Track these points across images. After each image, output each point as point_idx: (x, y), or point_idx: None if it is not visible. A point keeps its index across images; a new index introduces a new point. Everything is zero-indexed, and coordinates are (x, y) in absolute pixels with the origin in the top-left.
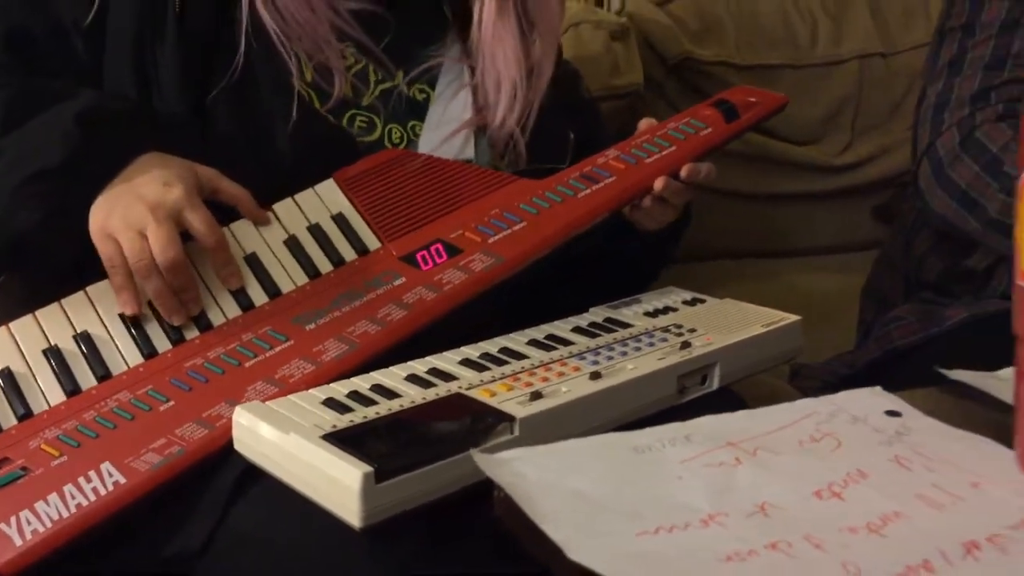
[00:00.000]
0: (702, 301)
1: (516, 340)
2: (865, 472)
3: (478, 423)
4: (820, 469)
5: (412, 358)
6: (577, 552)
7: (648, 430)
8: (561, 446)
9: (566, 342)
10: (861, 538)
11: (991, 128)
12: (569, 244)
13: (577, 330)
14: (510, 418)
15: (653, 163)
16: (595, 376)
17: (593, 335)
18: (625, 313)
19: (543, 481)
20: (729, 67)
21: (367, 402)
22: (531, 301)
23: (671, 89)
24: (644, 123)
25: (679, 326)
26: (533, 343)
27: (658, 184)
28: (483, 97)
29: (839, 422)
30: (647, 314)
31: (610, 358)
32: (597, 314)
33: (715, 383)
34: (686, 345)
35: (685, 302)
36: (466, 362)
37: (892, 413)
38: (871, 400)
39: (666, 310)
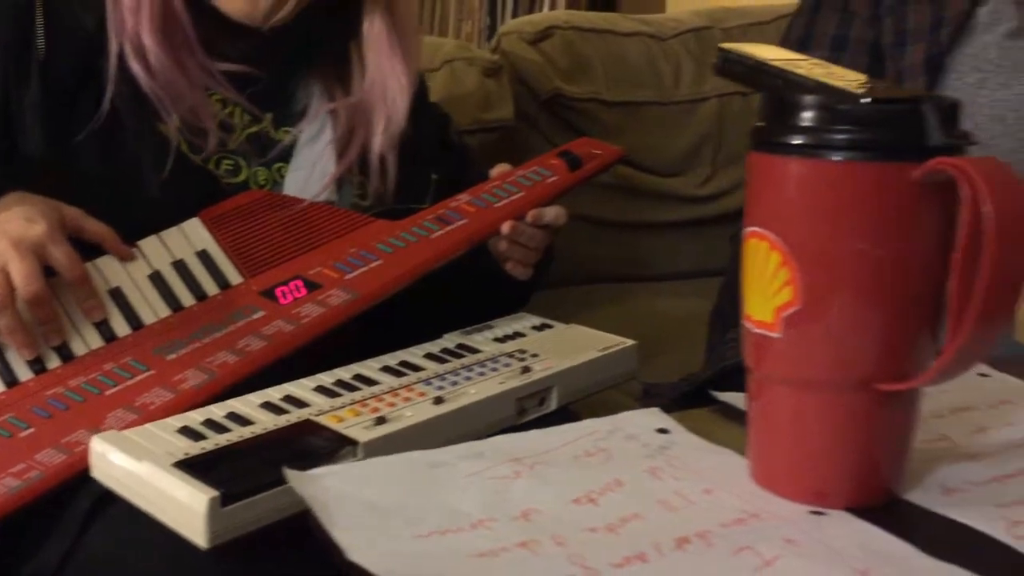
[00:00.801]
0: (550, 327)
1: (370, 367)
2: (622, 481)
3: (323, 448)
4: (585, 480)
5: (277, 384)
6: (356, 553)
7: (448, 448)
8: (367, 463)
9: (417, 368)
10: (599, 536)
11: None
12: (425, 280)
13: (429, 356)
14: (353, 442)
15: (501, 207)
16: (438, 401)
17: (443, 361)
18: (476, 339)
19: (342, 493)
20: (599, 103)
21: (220, 429)
22: (399, 330)
23: (544, 123)
24: (496, 169)
25: (523, 351)
26: (386, 369)
27: (505, 227)
28: (361, 119)
29: (615, 439)
30: (496, 340)
31: (455, 383)
32: (450, 340)
33: (553, 404)
34: (526, 370)
35: (534, 328)
36: (320, 389)
37: (662, 431)
38: (647, 419)
39: (515, 336)
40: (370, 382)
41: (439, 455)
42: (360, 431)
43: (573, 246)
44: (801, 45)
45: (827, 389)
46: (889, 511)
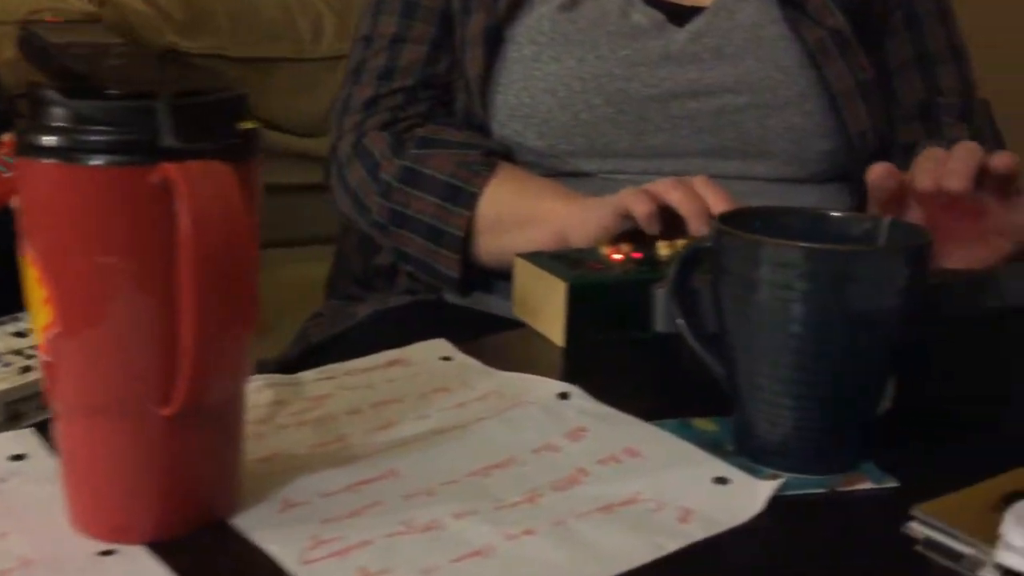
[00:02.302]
0: None
1: None
2: None
3: None
4: None
5: None
6: None
7: None
8: None
9: None
10: None
11: (375, 135)
12: None
13: None
14: None
15: None
16: None
17: None
18: None
19: None
20: (223, 59)
21: None
22: None
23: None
24: None
25: (35, 347)
26: None
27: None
28: None
29: None
30: (17, 334)
31: None
32: None
33: None
34: (27, 369)
35: None
36: None
37: (16, 457)
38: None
39: None
40: None
41: None
42: None
43: None
44: (375, 11)
45: (109, 416)
46: (197, 540)
